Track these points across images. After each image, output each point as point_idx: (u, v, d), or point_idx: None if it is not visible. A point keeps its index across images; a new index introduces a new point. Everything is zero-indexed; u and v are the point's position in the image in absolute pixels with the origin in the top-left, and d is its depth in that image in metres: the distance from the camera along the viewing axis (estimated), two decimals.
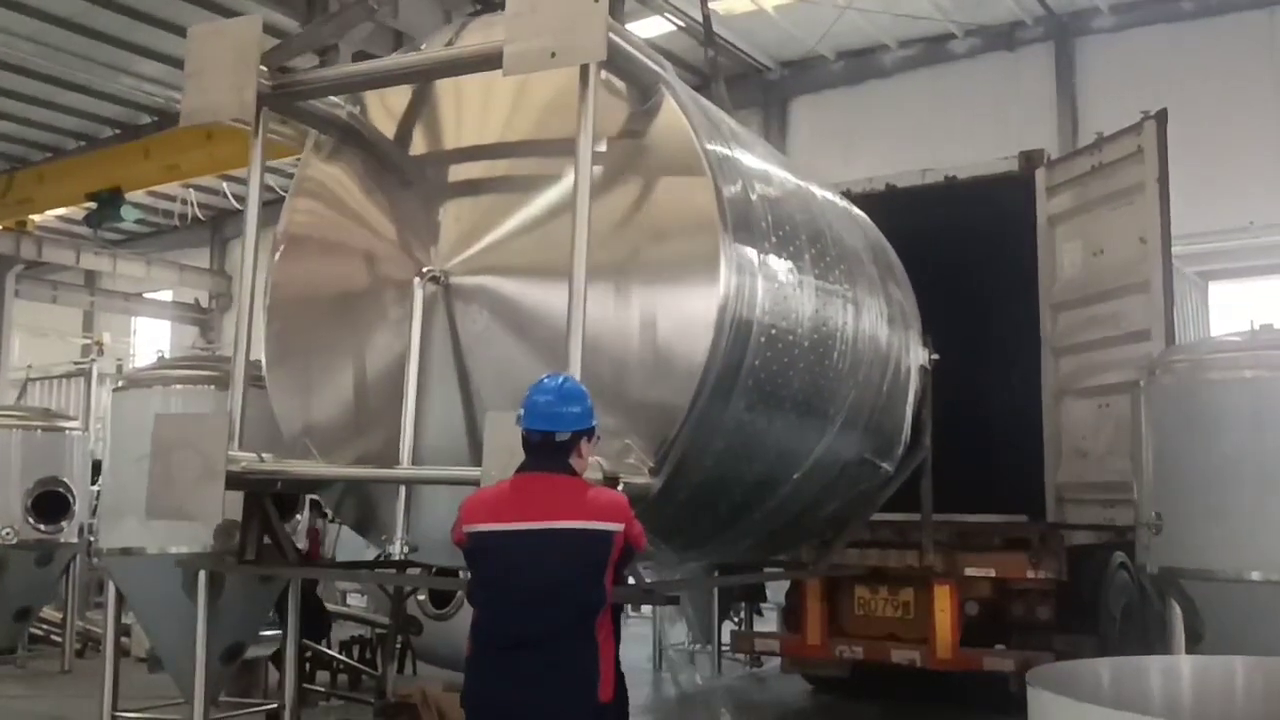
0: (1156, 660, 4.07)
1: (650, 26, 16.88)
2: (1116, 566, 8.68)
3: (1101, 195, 8.25)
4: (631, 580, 5.72)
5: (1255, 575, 6.07)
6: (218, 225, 28.49)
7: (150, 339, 28.55)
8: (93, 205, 21.50)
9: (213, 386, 7.61)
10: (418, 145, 5.82)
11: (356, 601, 12.32)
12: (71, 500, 10.87)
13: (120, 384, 8.36)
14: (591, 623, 4.06)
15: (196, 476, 5.24)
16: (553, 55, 4.67)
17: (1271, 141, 16.42)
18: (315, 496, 7.92)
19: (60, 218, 26.12)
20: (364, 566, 7.71)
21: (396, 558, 5.49)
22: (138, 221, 24.34)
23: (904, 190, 9.18)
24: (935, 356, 7.65)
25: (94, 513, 11.26)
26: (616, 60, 4.84)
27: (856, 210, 7.61)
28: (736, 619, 11.52)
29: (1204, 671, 3.70)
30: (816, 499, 6.69)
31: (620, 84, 5.16)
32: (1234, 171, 16.29)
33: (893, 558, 8.25)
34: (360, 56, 12.89)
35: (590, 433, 4.20)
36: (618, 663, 4.47)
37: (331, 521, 9.70)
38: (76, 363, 19.97)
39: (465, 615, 9.45)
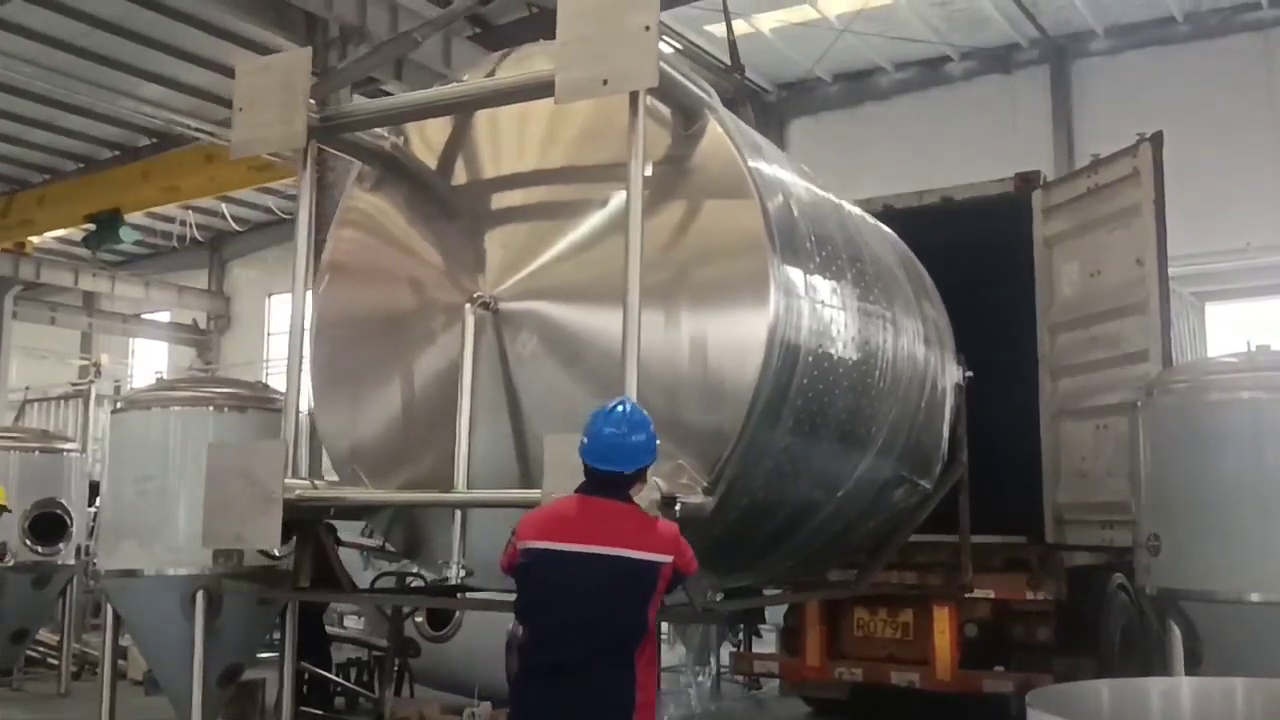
0: (1156, 682, 4.06)
1: None
2: (1116, 588, 8.66)
3: (1098, 217, 8.27)
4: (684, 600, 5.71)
5: (1254, 596, 6.06)
6: (216, 246, 28.54)
7: (148, 360, 28.55)
8: (91, 227, 21.54)
9: (211, 408, 7.62)
10: (459, 175, 5.90)
11: (353, 623, 12.30)
12: (69, 522, 10.84)
13: (118, 405, 8.36)
14: (630, 651, 4.08)
15: (253, 505, 5.29)
16: (605, 83, 4.74)
17: (1268, 163, 16.50)
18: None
19: (59, 239, 26.15)
20: (412, 593, 7.80)
21: (453, 582, 5.51)
22: (136, 243, 24.39)
23: (901, 211, 9.19)
24: (969, 374, 7.71)
25: (91, 534, 11.25)
26: (664, 86, 4.90)
27: (884, 225, 7.67)
28: (735, 641, 11.48)
29: (1204, 693, 3.68)
30: (858, 517, 6.75)
31: (663, 109, 5.19)
32: (1230, 193, 16.36)
33: (894, 578, 8.23)
34: (359, 79, 12.95)
35: (655, 461, 4.26)
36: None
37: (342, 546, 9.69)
38: (74, 384, 19.93)
39: (462, 637, 9.47)
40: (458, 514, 5.33)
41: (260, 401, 7.90)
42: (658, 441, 4.24)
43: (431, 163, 5.98)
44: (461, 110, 5.81)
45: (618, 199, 5.08)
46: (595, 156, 5.37)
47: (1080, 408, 8.36)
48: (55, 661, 11.60)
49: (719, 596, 7.40)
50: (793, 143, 20.15)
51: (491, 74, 5.83)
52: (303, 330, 5.83)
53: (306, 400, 6.07)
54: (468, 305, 5.39)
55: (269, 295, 27.93)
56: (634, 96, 4.76)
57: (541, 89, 4.99)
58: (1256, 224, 16.35)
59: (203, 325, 29.39)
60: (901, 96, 19.47)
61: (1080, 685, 3.88)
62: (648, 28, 4.69)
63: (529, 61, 5.65)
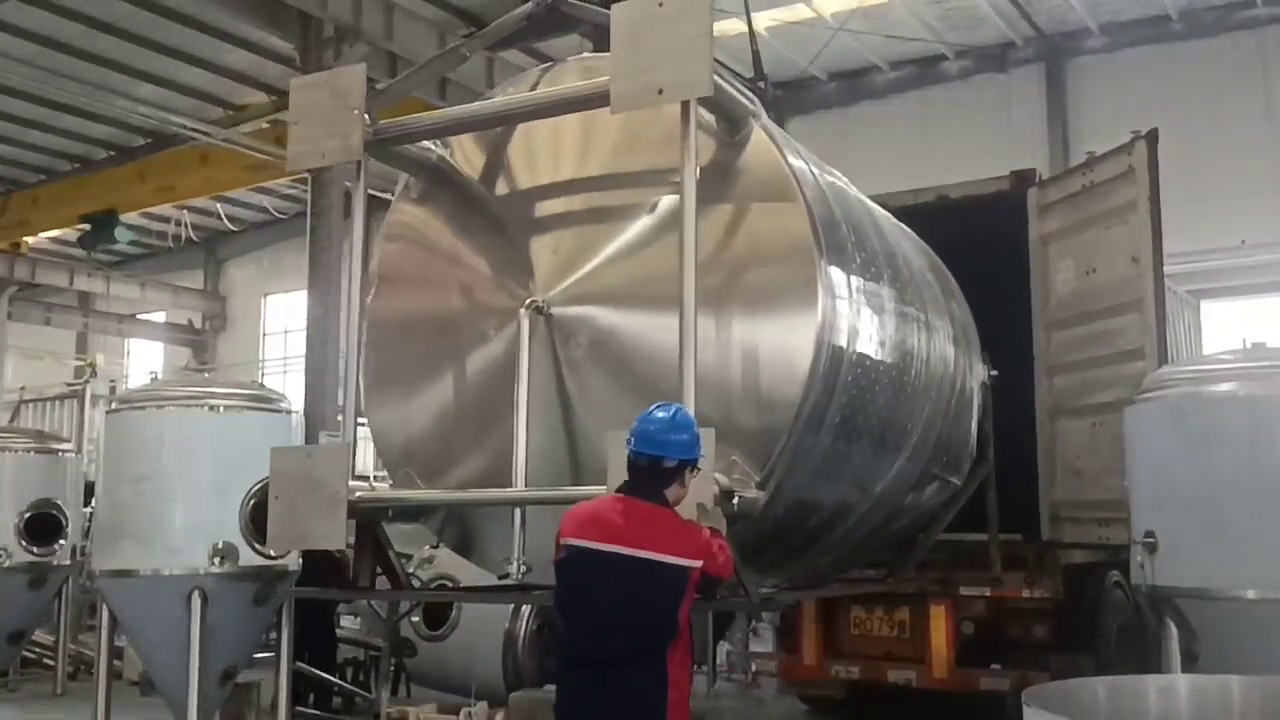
0: (1153, 679, 4.05)
1: None
2: (1112, 585, 8.66)
3: (1093, 214, 8.27)
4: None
5: (1250, 594, 6.06)
6: (211, 247, 28.50)
7: (144, 360, 28.52)
8: (87, 227, 21.52)
9: (206, 408, 7.61)
10: (503, 184, 6.02)
11: (350, 623, 12.28)
12: (64, 522, 10.83)
13: (114, 405, 8.35)
14: (661, 651, 4.19)
15: (318, 506, 5.36)
16: (660, 92, 4.83)
17: (1263, 161, 16.52)
18: None
19: (54, 239, 26.13)
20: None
21: (514, 579, 5.58)
22: (131, 243, 24.35)
23: (896, 209, 9.17)
24: (994, 372, 7.84)
25: (87, 535, 11.23)
26: (714, 95, 4.96)
27: (906, 227, 7.74)
28: (733, 639, 11.48)
29: (1200, 690, 3.69)
30: (894, 514, 6.89)
31: (706, 115, 5.24)
32: (1226, 190, 16.38)
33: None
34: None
35: (694, 463, 4.35)
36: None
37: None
38: (70, 384, 19.89)
39: (458, 637, 9.46)
40: (516, 512, 5.40)
41: (256, 401, 7.90)
42: (702, 448, 4.36)
43: (474, 173, 6.10)
44: (514, 121, 5.92)
45: (664, 203, 5.25)
46: (636, 162, 5.53)
47: (1076, 405, 8.37)
48: (51, 662, 11.60)
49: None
50: None
51: (534, 87, 5.93)
52: (359, 341, 5.91)
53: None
54: (522, 310, 5.49)
55: (265, 295, 27.90)
56: (685, 105, 4.85)
57: (597, 99, 5.11)
58: (1252, 221, 16.36)
59: (198, 325, 29.34)
60: (897, 95, 19.47)
61: (1077, 683, 3.89)
62: (700, 37, 4.77)
63: (563, 76, 5.84)
